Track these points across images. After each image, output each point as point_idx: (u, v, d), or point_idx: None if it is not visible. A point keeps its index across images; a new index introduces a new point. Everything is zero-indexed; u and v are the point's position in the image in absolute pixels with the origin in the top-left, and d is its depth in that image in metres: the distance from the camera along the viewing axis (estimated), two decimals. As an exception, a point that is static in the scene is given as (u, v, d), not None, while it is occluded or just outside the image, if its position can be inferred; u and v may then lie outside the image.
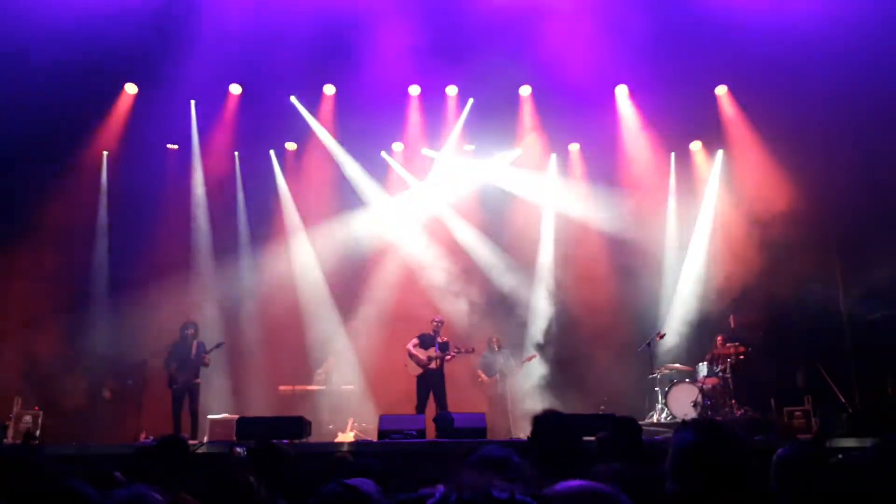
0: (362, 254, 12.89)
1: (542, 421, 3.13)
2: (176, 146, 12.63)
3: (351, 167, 12.98)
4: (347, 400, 11.43)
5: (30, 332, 10.85)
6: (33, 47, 10.11)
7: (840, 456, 3.21)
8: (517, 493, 1.36)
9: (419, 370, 10.37)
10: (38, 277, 11.12)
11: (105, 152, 12.37)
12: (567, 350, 12.23)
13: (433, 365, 10.32)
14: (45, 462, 2.81)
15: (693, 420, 2.07)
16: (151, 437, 8.95)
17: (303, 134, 12.90)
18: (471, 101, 12.64)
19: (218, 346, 10.25)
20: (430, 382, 10.29)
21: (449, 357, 10.42)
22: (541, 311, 12.69)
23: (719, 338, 10.98)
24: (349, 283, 12.71)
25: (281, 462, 3.92)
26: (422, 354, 10.39)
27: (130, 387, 10.79)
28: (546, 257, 13.07)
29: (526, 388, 11.60)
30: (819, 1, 10.06)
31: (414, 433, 8.20)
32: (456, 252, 12.88)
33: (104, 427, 10.59)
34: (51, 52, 10.12)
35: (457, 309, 12.09)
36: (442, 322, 10.74)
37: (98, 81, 11.17)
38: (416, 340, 10.55)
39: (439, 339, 10.49)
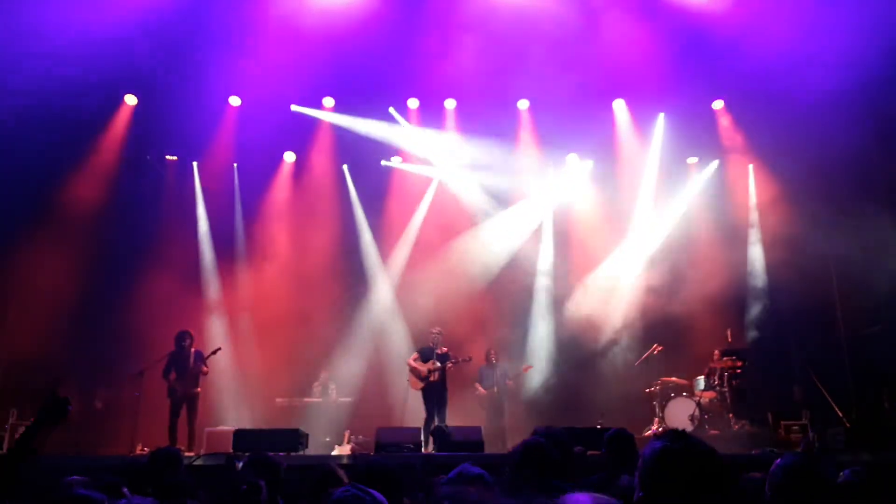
0: (360, 264, 12.92)
1: (538, 436, 3.20)
2: (175, 157, 12.71)
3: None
4: (344, 412, 11.41)
5: (24, 341, 10.81)
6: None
7: (842, 473, 3.20)
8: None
9: (421, 385, 10.34)
10: (33, 287, 11.12)
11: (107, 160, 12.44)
12: (565, 362, 12.23)
13: (433, 378, 10.29)
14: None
15: (665, 432, 2.08)
16: (147, 449, 8.91)
17: (303, 144, 12.97)
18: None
19: (214, 352, 10.22)
20: (433, 395, 10.25)
21: (449, 366, 10.38)
22: (539, 322, 12.69)
23: (716, 351, 11.00)
24: (350, 293, 12.72)
25: (275, 475, 3.92)
26: (422, 368, 10.37)
27: (125, 397, 10.72)
28: (545, 268, 13.09)
29: (523, 400, 11.58)
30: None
31: (411, 446, 8.20)
32: (455, 260, 12.91)
33: (99, 438, 10.53)
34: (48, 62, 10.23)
35: (456, 319, 12.08)
36: (440, 333, 10.65)
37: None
38: (415, 354, 10.55)
39: (438, 351, 10.45)
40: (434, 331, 10.65)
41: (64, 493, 2.78)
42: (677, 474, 1.85)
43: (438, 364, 10.32)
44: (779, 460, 2.74)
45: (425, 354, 10.45)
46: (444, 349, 10.52)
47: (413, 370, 10.40)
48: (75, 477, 3.88)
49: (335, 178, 13.21)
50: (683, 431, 1.99)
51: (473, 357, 10.80)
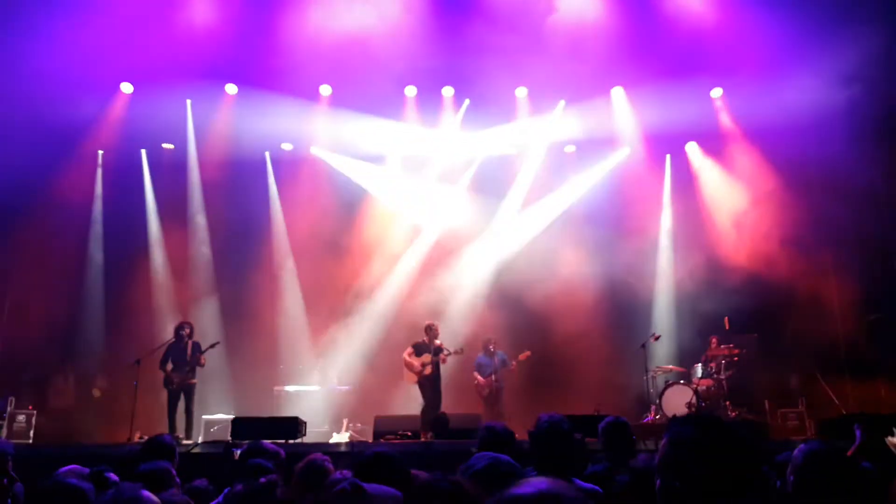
0: (359, 253, 12.90)
1: (542, 425, 3.16)
2: (172, 146, 12.65)
3: (349, 170, 13.01)
4: (342, 400, 11.42)
5: (22, 329, 10.80)
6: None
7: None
8: None
9: (416, 378, 10.39)
10: (31, 277, 11.10)
11: (100, 151, 12.37)
12: (562, 350, 12.23)
13: (427, 371, 10.34)
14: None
15: (692, 414, 1.89)
16: (145, 437, 8.91)
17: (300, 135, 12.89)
18: (467, 101, 12.65)
19: (212, 346, 10.23)
20: (428, 387, 10.32)
21: (442, 358, 10.42)
22: (537, 309, 12.69)
23: (713, 339, 11.02)
24: (345, 282, 12.70)
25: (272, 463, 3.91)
26: (416, 362, 10.43)
27: (122, 386, 10.73)
28: (545, 256, 13.07)
29: (521, 387, 11.58)
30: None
31: (409, 434, 8.23)
32: (453, 248, 12.88)
33: (98, 427, 10.55)
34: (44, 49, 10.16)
35: (455, 307, 12.09)
36: (434, 327, 10.68)
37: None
38: (410, 349, 10.57)
39: (433, 345, 10.49)
40: (429, 325, 10.68)
41: (51, 481, 2.72)
42: (714, 463, 1.68)
43: (433, 357, 10.38)
44: (802, 445, 2.62)
45: (420, 349, 10.50)
46: (438, 342, 10.56)
47: (408, 365, 10.45)
48: (73, 466, 3.86)
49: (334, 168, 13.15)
50: (716, 417, 1.83)
51: (466, 348, 10.85)
